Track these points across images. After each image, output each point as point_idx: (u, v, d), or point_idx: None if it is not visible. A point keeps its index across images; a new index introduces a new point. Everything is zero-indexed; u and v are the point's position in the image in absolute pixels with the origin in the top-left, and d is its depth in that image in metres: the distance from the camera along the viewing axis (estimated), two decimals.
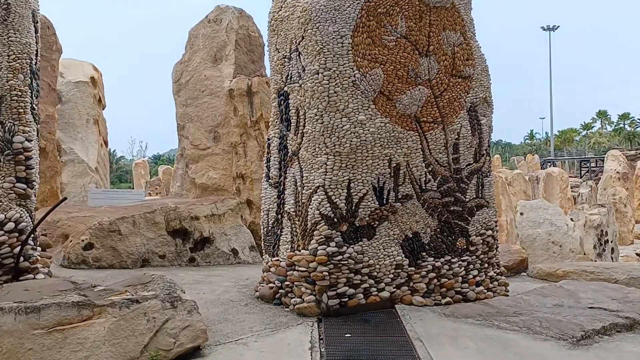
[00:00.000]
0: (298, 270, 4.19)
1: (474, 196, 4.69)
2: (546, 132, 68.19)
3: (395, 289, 4.31)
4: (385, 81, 4.34)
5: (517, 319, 3.97)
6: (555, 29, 62.40)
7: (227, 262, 6.23)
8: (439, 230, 4.53)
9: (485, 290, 4.64)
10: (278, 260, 4.48)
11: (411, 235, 4.42)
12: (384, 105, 4.34)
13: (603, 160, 34.44)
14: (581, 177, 44.90)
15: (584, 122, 69.67)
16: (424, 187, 4.49)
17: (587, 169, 48.29)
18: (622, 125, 65.26)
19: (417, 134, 4.47)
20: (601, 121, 70.02)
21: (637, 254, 15.78)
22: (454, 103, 4.64)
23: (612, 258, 11.96)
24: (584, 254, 10.36)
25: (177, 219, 5.96)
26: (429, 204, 4.50)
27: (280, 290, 4.36)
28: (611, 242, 12.12)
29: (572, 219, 11.77)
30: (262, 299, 4.46)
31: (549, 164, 49.17)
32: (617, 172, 20.76)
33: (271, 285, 4.45)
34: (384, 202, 4.32)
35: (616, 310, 4.12)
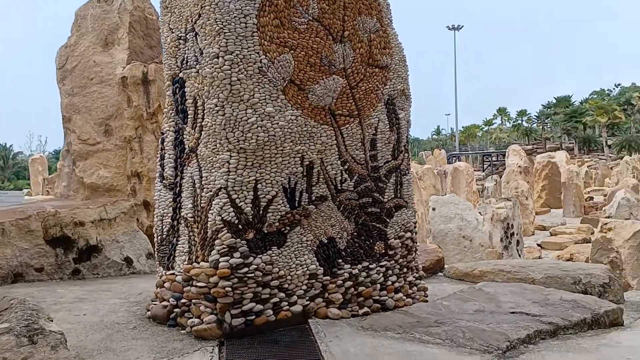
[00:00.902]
0: (196, 286, 3.60)
1: (393, 196, 4.34)
2: (451, 128, 71.34)
3: (308, 302, 3.86)
4: (296, 69, 3.86)
5: (439, 330, 3.66)
6: (460, 28, 65.25)
7: (120, 272, 5.48)
8: (356, 234, 4.13)
9: (405, 297, 4.31)
10: (173, 274, 3.87)
11: (326, 241, 3.98)
12: (295, 96, 3.85)
13: (504, 155, 36.37)
14: (484, 171, 47.26)
15: (486, 119, 73.63)
16: (339, 188, 4.06)
17: (489, 162, 50.96)
18: (520, 122, 69.58)
19: (331, 128, 4.02)
20: (501, 118, 74.29)
21: (538, 245, 16.58)
22: (371, 95, 4.25)
23: (517, 250, 12.34)
24: (493, 248, 10.53)
25: (58, 225, 5.13)
26: (345, 206, 4.08)
27: (175, 310, 3.75)
28: (517, 234, 12.48)
29: (480, 213, 12.01)
30: (154, 319, 3.83)
31: (454, 158, 51.36)
32: (519, 166, 21.79)
33: (165, 303, 3.83)
34: (296, 204, 3.84)
35: (538, 315, 3.93)
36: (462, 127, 71.74)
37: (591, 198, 24.80)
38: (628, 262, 9.03)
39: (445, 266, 6.17)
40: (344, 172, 4.07)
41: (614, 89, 78.87)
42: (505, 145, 48.19)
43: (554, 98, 60.62)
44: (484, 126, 74.03)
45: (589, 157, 47.36)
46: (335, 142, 4.03)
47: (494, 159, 51.09)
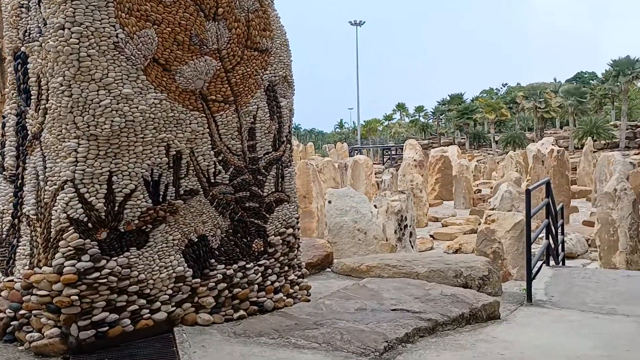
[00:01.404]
0: (37, 295, 3.09)
1: (273, 190, 4.05)
2: (354, 122, 72.81)
3: (174, 308, 3.47)
4: (161, 46, 3.43)
5: (317, 333, 3.43)
6: (362, 24, 66.62)
7: None
8: (231, 231, 3.79)
9: (285, 297, 4.05)
10: (12, 280, 3.31)
11: (196, 240, 3.60)
12: (159, 77, 3.42)
13: (402, 149, 37.60)
14: (384, 164, 48.69)
15: (386, 114, 75.92)
16: (213, 181, 3.70)
17: (388, 156, 52.59)
18: (417, 117, 72.45)
19: (203, 115, 3.64)
20: (400, 113, 76.95)
21: (430, 236, 17.19)
22: (249, 80, 3.91)
23: (410, 242, 12.62)
24: (387, 240, 10.63)
25: None
26: (219, 201, 3.72)
27: (13, 322, 3.21)
28: (410, 226, 12.75)
29: (375, 206, 12.13)
30: None
31: (356, 151, 52.45)
32: (415, 159, 22.50)
33: (1, 315, 3.26)
34: (161, 199, 3.43)
35: (419, 311, 3.83)
36: (364, 121, 73.49)
37: (479, 190, 26.24)
38: (509, 252, 9.48)
39: (335, 261, 6.01)
40: (217, 163, 3.72)
41: (501, 88, 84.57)
42: (404, 139, 49.96)
43: (448, 95, 63.74)
44: (384, 121, 76.31)
45: (478, 152, 50.28)
46: (207, 130, 3.66)
47: (393, 152, 52.80)
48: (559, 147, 24.51)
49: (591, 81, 59.10)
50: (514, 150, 36.19)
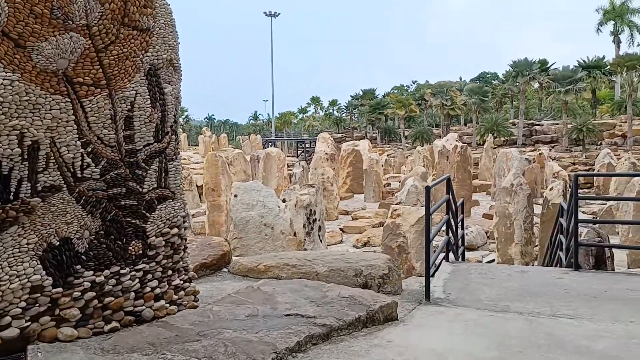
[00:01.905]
0: None
1: (155, 185, 3.64)
2: (268, 114, 72.23)
3: (29, 323, 2.99)
4: (12, 17, 2.92)
5: (199, 345, 3.09)
6: (277, 15, 66.06)
7: None
8: (103, 233, 3.35)
9: (168, 305, 3.66)
10: None
11: (58, 243, 3.13)
12: (10, 54, 2.91)
13: (316, 142, 37.69)
14: (297, 157, 48.65)
15: (301, 106, 76.01)
16: (80, 175, 3.23)
17: (302, 149, 52.65)
18: (331, 111, 73.18)
19: (68, 99, 3.16)
20: (315, 106, 77.38)
21: (340, 229, 17.24)
22: (126, 62, 3.47)
23: (319, 236, 12.51)
24: (295, 235, 10.42)
25: None
26: (87, 198, 3.27)
27: None
28: (319, 220, 12.63)
29: (284, 200, 11.88)
30: None
31: (270, 144, 52.03)
32: (326, 153, 22.51)
33: None
34: (12, 197, 2.93)
35: (313, 316, 3.60)
36: (279, 113, 73.13)
37: (389, 184, 26.82)
38: (413, 246, 9.59)
39: (232, 260, 5.67)
40: (86, 155, 3.25)
41: (411, 85, 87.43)
42: (318, 133, 50.18)
43: (361, 90, 64.86)
44: (299, 114, 76.40)
45: (389, 146, 51.63)
46: (72, 117, 3.19)
47: (307, 145, 52.91)
48: (463, 143, 25.55)
49: (493, 81, 62.49)
50: (422, 146, 37.49)
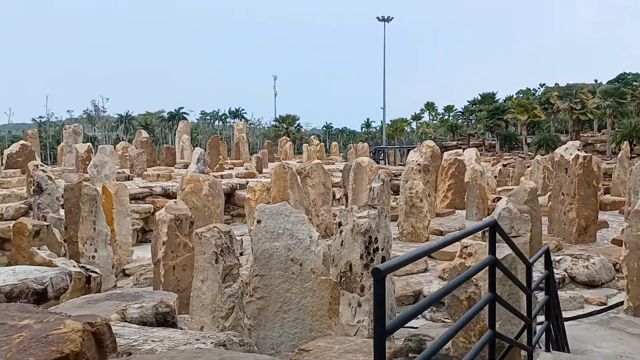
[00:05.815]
0: None
1: None
2: (381, 121, 69.94)
3: None
4: None
5: None
6: (390, 20, 63.84)
7: None
8: None
9: None
10: None
11: None
12: None
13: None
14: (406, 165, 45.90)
15: (415, 113, 72.66)
16: None
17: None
18: (447, 117, 69.06)
19: None
20: (429, 112, 73.60)
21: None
22: None
23: None
24: (328, 276, 8.14)
25: None
26: None
27: None
28: (381, 249, 10.24)
29: (340, 224, 9.69)
30: None
31: (379, 151, 49.82)
32: (419, 164, 19.86)
33: None
34: None
35: None
36: (390, 120, 70.49)
37: (499, 199, 23.40)
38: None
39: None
40: None
41: (539, 88, 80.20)
42: (432, 140, 47.00)
43: (479, 95, 60.17)
44: (412, 121, 73.08)
45: (509, 155, 46.96)
46: None
47: None
48: (595, 151, 21.44)
49: (634, 82, 54.68)
50: (548, 153, 33.06)
